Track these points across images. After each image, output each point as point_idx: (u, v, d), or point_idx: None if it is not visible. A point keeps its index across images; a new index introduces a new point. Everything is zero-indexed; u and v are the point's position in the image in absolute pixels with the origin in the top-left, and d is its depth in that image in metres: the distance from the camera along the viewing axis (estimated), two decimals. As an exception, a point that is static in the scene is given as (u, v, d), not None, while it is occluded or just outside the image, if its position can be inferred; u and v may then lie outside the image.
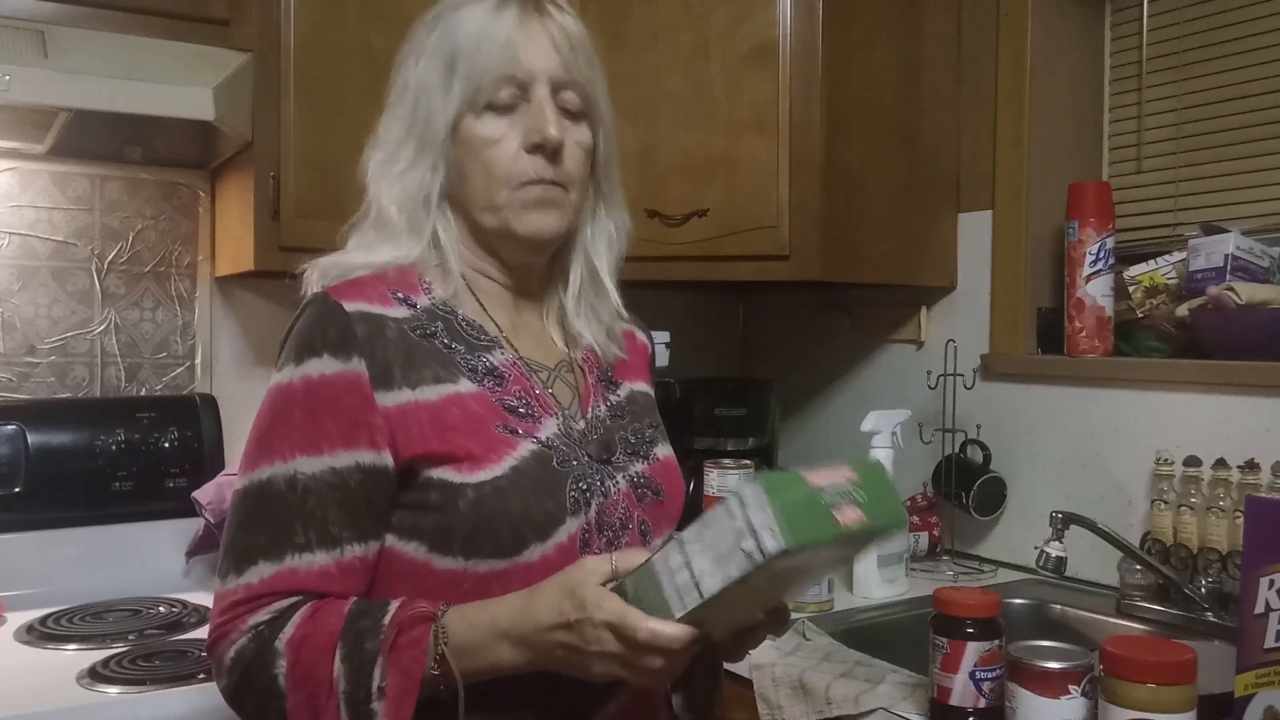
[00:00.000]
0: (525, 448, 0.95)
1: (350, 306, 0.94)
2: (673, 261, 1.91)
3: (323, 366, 0.92)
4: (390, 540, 0.94)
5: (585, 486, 0.97)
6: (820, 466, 0.81)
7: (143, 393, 1.93)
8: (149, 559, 1.80)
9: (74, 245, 1.88)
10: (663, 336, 1.97)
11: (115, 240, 1.91)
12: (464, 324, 1.00)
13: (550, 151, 0.98)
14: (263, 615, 0.90)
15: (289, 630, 0.89)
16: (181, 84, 1.53)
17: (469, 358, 0.98)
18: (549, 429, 0.98)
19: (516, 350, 1.02)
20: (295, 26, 1.68)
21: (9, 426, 1.72)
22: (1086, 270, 1.79)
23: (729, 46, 1.84)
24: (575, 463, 0.98)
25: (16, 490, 1.71)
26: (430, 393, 0.94)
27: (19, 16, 1.56)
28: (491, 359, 0.99)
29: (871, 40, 1.87)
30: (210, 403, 1.91)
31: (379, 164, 1.02)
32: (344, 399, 0.91)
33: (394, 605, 0.89)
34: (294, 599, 0.91)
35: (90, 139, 1.75)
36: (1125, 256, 1.83)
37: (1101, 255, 1.79)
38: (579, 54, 1.01)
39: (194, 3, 1.70)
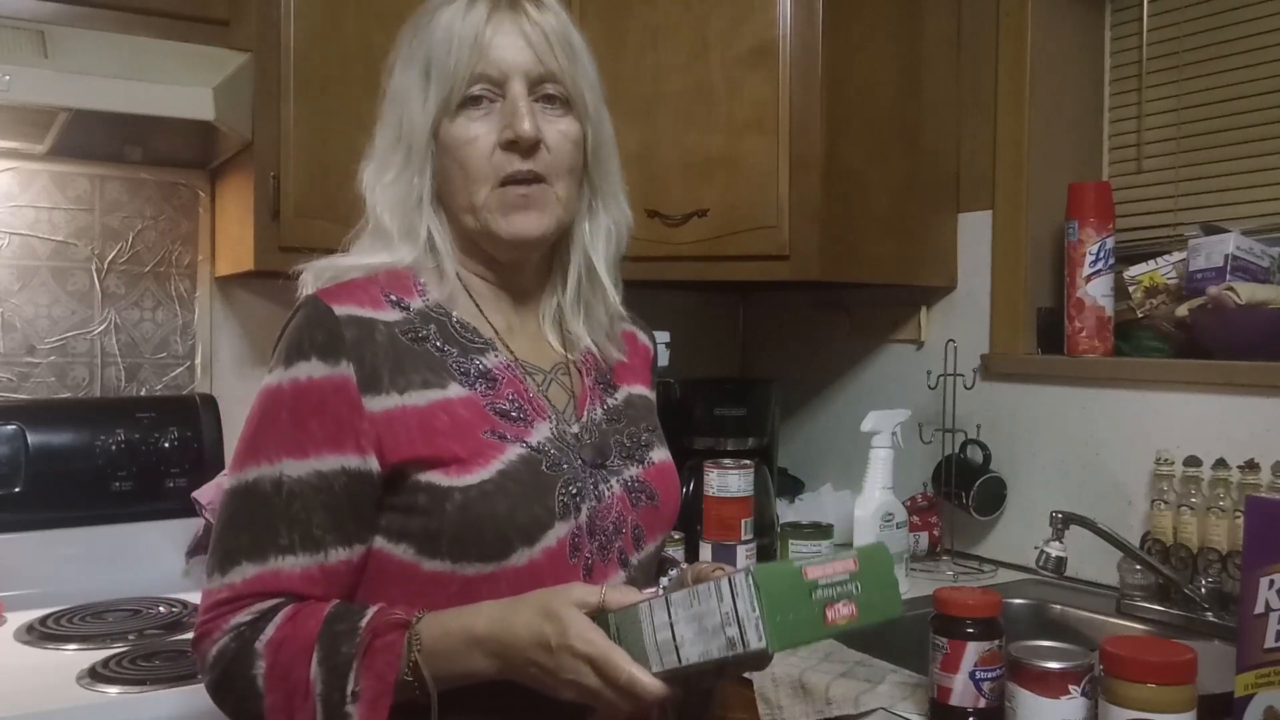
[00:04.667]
0: (513, 452, 0.94)
1: (340, 310, 0.94)
2: (673, 261, 1.91)
3: (311, 370, 0.92)
4: (379, 542, 0.94)
5: (576, 491, 0.96)
6: (826, 557, 0.81)
7: (143, 393, 1.93)
8: (149, 559, 1.80)
9: (74, 245, 1.88)
10: (663, 336, 1.96)
11: (115, 240, 1.91)
12: (457, 326, 1.00)
13: (525, 147, 0.97)
14: (245, 616, 0.91)
15: (269, 632, 0.90)
16: (181, 84, 1.53)
17: (461, 360, 0.98)
18: (541, 433, 0.98)
19: (512, 352, 1.02)
20: (295, 26, 1.68)
21: (9, 426, 1.72)
22: (1086, 270, 1.79)
23: (729, 46, 1.84)
24: (566, 467, 0.97)
25: (16, 490, 1.71)
26: (418, 398, 0.94)
27: (19, 16, 1.56)
28: (485, 362, 0.99)
29: (871, 40, 1.87)
30: (210, 403, 1.91)
31: (372, 174, 1.02)
32: (331, 403, 0.91)
33: (371, 610, 0.90)
34: (276, 600, 0.91)
35: (90, 139, 1.75)
36: (1125, 256, 1.83)
37: (1101, 255, 1.79)
38: (556, 46, 0.99)
39: (194, 3, 1.70)
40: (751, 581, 0.76)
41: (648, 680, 0.81)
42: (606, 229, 1.07)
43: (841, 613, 0.79)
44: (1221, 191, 1.79)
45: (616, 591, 0.86)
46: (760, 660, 0.91)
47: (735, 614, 0.77)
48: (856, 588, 0.80)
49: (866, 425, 1.79)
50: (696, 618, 0.79)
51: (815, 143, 1.78)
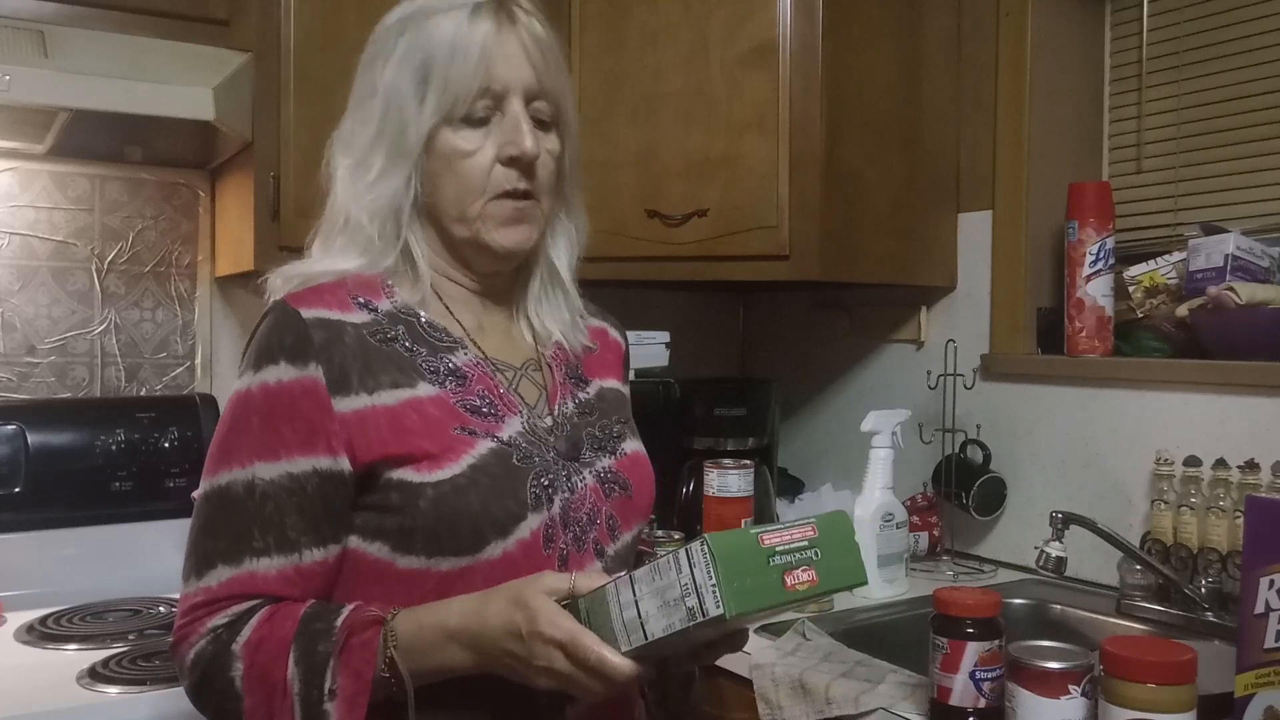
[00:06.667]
0: (483, 446, 0.95)
1: (308, 313, 0.95)
2: (673, 261, 1.92)
3: (280, 373, 0.93)
4: (354, 541, 0.95)
5: (548, 482, 0.98)
6: (783, 525, 0.82)
7: (143, 393, 1.93)
8: (149, 559, 1.79)
9: (74, 245, 1.88)
10: (663, 336, 1.97)
11: (115, 240, 1.91)
12: (426, 326, 1.01)
13: (526, 164, 0.99)
14: (221, 618, 0.92)
15: (246, 634, 0.91)
16: (181, 84, 1.53)
17: (431, 360, 0.99)
18: (512, 427, 0.99)
19: (482, 350, 1.03)
20: (295, 26, 1.68)
21: (9, 426, 1.72)
22: (1086, 270, 1.79)
23: (729, 46, 1.84)
24: (538, 459, 0.98)
25: (16, 490, 1.71)
26: (388, 397, 0.95)
27: (19, 16, 1.56)
28: (454, 360, 1.00)
29: (871, 40, 1.87)
30: (210, 403, 1.91)
31: (348, 169, 1.01)
32: (301, 405, 0.92)
33: (347, 609, 0.91)
34: (252, 602, 0.92)
35: (90, 139, 1.76)
36: (1125, 256, 1.83)
37: (1101, 255, 1.79)
38: (550, 63, 1.01)
39: (194, 3, 1.70)
40: (707, 549, 0.77)
41: (617, 660, 0.82)
42: (569, 235, 1.11)
43: (801, 578, 0.80)
44: (1221, 191, 1.79)
45: (586, 577, 0.88)
46: (734, 640, 0.93)
47: (694, 583, 0.78)
48: (816, 554, 0.81)
49: (866, 425, 1.78)
50: (659, 592, 0.80)
51: (815, 143, 1.78)
